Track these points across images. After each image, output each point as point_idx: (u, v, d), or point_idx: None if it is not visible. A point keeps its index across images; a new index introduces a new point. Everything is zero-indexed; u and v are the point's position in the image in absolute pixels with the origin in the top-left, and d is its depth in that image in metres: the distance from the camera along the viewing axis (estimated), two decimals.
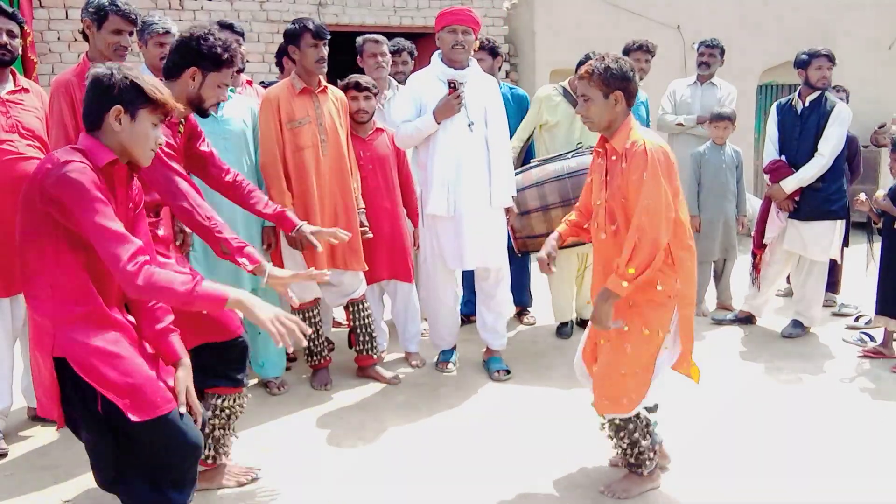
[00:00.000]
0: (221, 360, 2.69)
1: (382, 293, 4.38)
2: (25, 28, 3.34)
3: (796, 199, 4.51)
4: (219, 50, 2.63)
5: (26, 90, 3.30)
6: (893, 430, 3.37)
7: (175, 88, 2.66)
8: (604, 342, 2.77)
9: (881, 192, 4.15)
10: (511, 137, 4.60)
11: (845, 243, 4.90)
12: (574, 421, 3.34)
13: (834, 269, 5.06)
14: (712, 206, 5.03)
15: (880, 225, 4.24)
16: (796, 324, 4.70)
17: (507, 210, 4.01)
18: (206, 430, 2.76)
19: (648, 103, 5.36)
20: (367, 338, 3.98)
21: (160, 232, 2.77)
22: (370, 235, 3.92)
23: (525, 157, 4.68)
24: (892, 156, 4.25)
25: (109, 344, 2.09)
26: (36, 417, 3.49)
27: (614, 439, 2.77)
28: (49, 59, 6.32)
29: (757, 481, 2.91)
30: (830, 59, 4.44)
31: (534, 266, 5.11)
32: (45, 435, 3.38)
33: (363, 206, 3.94)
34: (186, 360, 2.32)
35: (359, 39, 4.54)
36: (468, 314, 4.76)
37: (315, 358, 3.93)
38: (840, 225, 4.55)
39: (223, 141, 3.46)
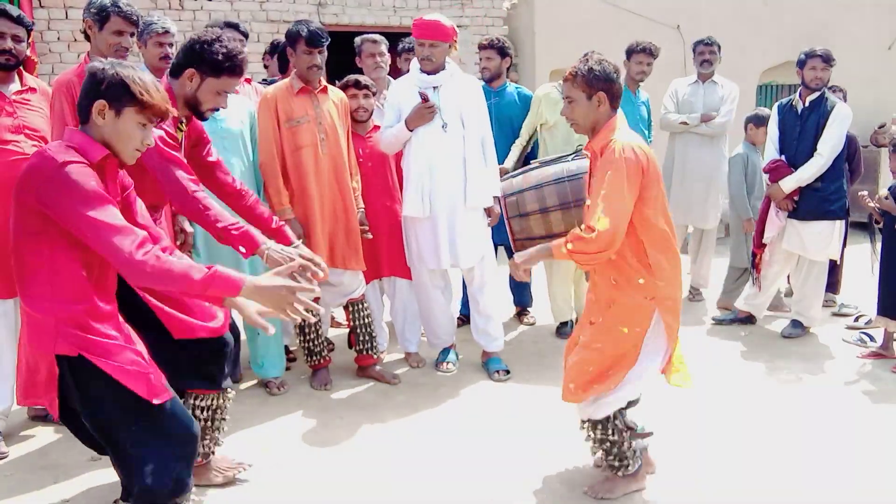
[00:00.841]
0: (199, 360, 2.68)
1: (382, 293, 4.38)
2: (32, 30, 3.34)
3: (795, 198, 4.51)
4: (219, 57, 2.62)
5: (33, 90, 3.30)
6: (893, 430, 3.37)
7: (176, 88, 2.69)
8: (582, 338, 2.78)
9: (884, 192, 4.14)
10: (518, 137, 4.62)
11: (843, 243, 4.90)
12: (574, 421, 3.33)
13: (834, 269, 5.06)
14: (754, 210, 4.92)
15: (881, 224, 4.24)
16: (796, 324, 4.70)
17: (488, 210, 4.01)
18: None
19: (650, 103, 5.36)
20: (367, 338, 3.99)
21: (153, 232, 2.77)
22: (370, 236, 3.93)
23: (528, 157, 4.67)
24: (893, 156, 4.25)
25: (112, 338, 2.11)
26: (36, 417, 3.49)
27: (591, 439, 2.78)
28: (49, 59, 6.32)
29: (756, 481, 2.91)
30: (825, 59, 4.43)
31: (534, 266, 5.12)
32: (45, 435, 3.38)
33: (363, 206, 3.95)
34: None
35: (357, 39, 4.54)
36: (467, 314, 4.76)
37: (315, 358, 3.93)
38: (840, 225, 4.55)
39: (220, 140, 3.46)
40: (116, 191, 2.22)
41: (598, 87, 2.62)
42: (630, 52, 5.13)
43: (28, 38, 3.26)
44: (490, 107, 4.48)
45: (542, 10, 7.81)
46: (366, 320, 3.96)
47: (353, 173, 3.90)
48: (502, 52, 4.61)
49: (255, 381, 3.99)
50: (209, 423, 2.80)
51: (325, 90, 3.74)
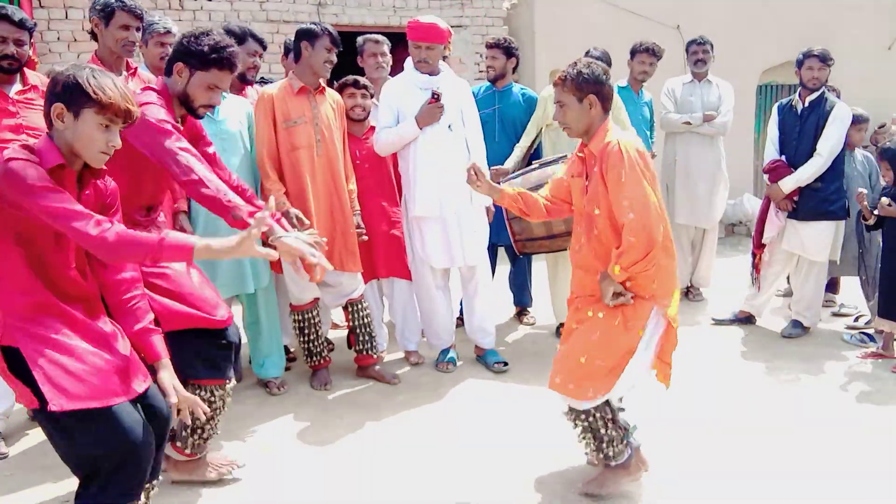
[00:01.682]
0: (205, 350, 2.70)
1: (382, 293, 4.38)
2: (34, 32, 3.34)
3: (795, 199, 4.51)
4: (206, 48, 2.60)
5: (35, 88, 3.30)
6: (893, 430, 3.37)
7: (170, 85, 2.69)
8: (575, 325, 2.77)
9: (886, 200, 4.11)
10: (521, 138, 4.62)
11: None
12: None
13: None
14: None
15: (871, 222, 4.21)
16: (796, 324, 4.70)
17: (486, 210, 4.10)
18: (187, 421, 2.73)
19: (652, 103, 5.36)
20: (366, 338, 3.99)
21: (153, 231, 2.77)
22: (366, 238, 3.94)
23: (531, 158, 4.67)
24: (881, 162, 4.26)
25: (56, 333, 2.08)
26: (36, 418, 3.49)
27: (575, 428, 2.76)
28: (49, 59, 6.31)
29: (756, 482, 2.91)
30: (821, 59, 4.43)
31: (534, 267, 5.13)
32: (44, 435, 3.37)
33: (358, 208, 3.95)
34: (167, 359, 2.33)
35: (359, 39, 4.54)
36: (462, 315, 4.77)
37: (315, 358, 3.93)
38: (840, 225, 4.55)
39: (219, 141, 3.46)
40: (84, 197, 2.17)
41: (588, 89, 2.62)
42: (633, 52, 5.15)
43: (30, 41, 3.27)
44: (494, 107, 4.49)
45: (542, 10, 7.80)
46: (365, 320, 3.97)
47: (350, 175, 3.90)
48: (508, 51, 4.59)
49: (255, 381, 3.99)
50: (208, 414, 2.78)
51: (322, 91, 3.74)
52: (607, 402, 2.74)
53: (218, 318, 2.69)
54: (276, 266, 3.79)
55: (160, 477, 2.43)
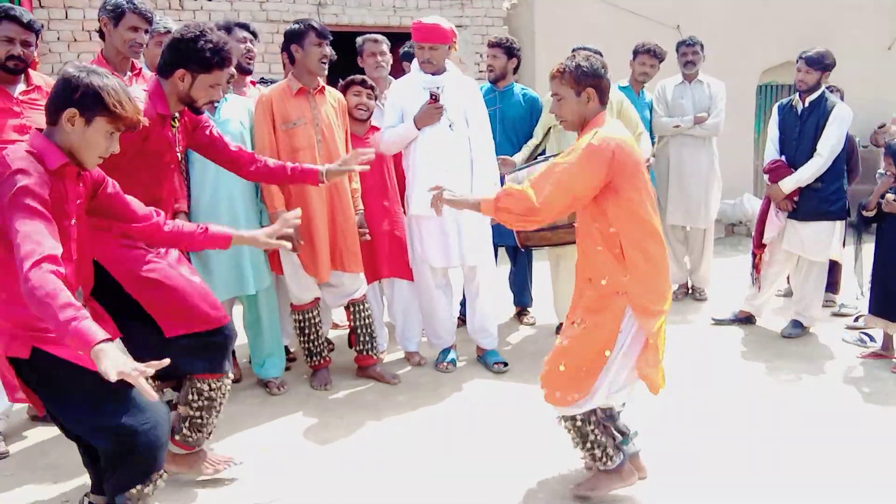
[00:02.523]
0: (203, 347, 2.72)
1: (382, 293, 4.38)
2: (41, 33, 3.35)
3: (795, 199, 4.51)
4: (208, 54, 2.61)
5: (39, 88, 3.30)
6: (893, 430, 3.37)
7: (167, 87, 2.69)
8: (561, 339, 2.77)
9: (891, 196, 4.09)
10: (523, 137, 4.61)
11: (844, 243, 4.89)
12: None
13: (834, 269, 5.06)
14: None
15: (871, 213, 4.15)
16: (796, 324, 4.70)
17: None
18: (186, 415, 2.80)
19: (654, 104, 5.35)
20: (367, 338, 3.99)
21: None
22: (368, 238, 3.94)
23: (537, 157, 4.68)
24: (887, 160, 4.25)
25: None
26: (36, 417, 3.49)
27: (570, 432, 2.75)
28: (49, 59, 6.31)
29: (756, 482, 2.91)
30: (808, 62, 4.41)
31: (534, 266, 5.13)
32: (45, 435, 3.38)
33: (361, 207, 3.95)
34: (236, 234, 2.63)
35: (359, 39, 4.54)
36: (464, 315, 4.76)
37: (315, 358, 3.93)
38: (840, 225, 4.55)
39: None
40: (78, 192, 2.22)
41: (586, 83, 2.60)
42: (635, 53, 5.16)
43: (37, 42, 3.27)
44: (494, 107, 4.49)
45: (542, 10, 7.80)
46: (366, 321, 3.96)
47: (352, 175, 3.90)
48: (510, 51, 4.58)
49: (255, 381, 3.99)
50: (207, 409, 2.82)
51: (322, 91, 3.74)
52: (594, 412, 2.71)
53: (214, 317, 2.71)
54: (276, 266, 3.80)
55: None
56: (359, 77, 4.03)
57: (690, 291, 5.60)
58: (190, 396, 2.79)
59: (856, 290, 4.65)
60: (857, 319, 4.83)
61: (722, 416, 3.50)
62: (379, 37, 4.49)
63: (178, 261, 2.80)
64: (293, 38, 3.61)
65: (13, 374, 2.20)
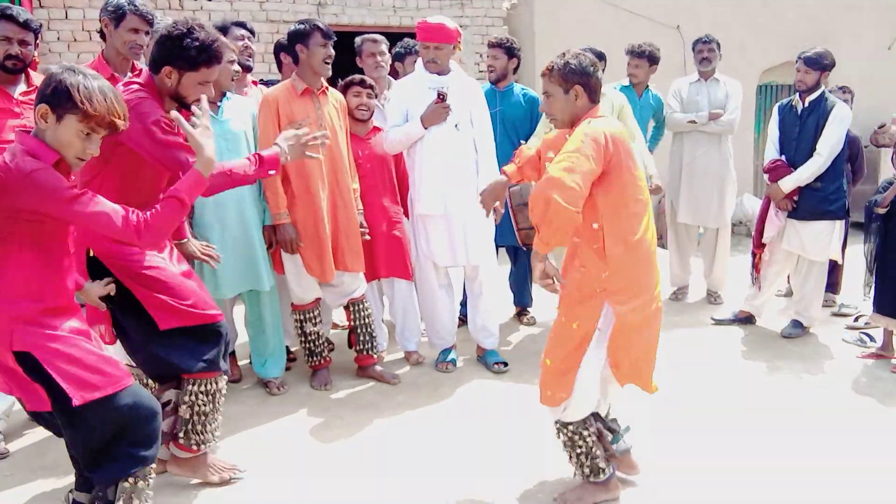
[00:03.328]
0: (198, 344, 2.72)
1: (382, 293, 4.39)
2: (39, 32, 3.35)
3: (795, 198, 4.51)
4: (193, 52, 2.59)
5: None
6: (893, 430, 3.37)
7: (157, 82, 2.69)
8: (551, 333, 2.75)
9: None
10: (523, 138, 4.61)
11: (844, 243, 4.89)
12: None
13: (834, 269, 5.06)
14: None
15: (883, 210, 4.11)
16: (796, 324, 4.70)
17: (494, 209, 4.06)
18: (187, 417, 2.80)
19: (662, 101, 5.34)
20: (367, 337, 3.99)
21: None
22: (368, 237, 3.94)
23: None
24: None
25: (64, 331, 2.16)
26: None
27: (563, 443, 2.72)
28: (49, 60, 6.30)
29: (756, 481, 2.91)
30: (807, 62, 4.42)
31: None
32: (45, 435, 3.37)
33: (361, 207, 3.95)
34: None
35: (358, 39, 4.54)
36: (465, 315, 4.77)
37: (315, 358, 3.93)
38: (839, 225, 4.55)
39: (223, 142, 3.46)
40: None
41: (574, 80, 2.59)
42: (627, 53, 5.17)
43: (36, 41, 3.27)
44: (495, 108, 4.49)
45: (542, 10, 7.80)
46: (366, 320, 3.97)
47: (353, 174, 3.90)
48: (510, 51, 4.58)
49: (255, 381, 3.99)
50: (207, 408, 2.82)
51: (325, 92, 3.74)
52: (592, 418, 2.70)
53: (209, 314, 2.73)
54: (278, 266, 3.80)
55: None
56: (358, 77, 4.04)
57: (706, 294, 5.53)
58: (188, 397, 2.78)
59: (862, 289, 4.61)
60: (856, 319, 4.84)
61: (721, 416, 3.50)
62: (378, 37, 4.50)
63: (178, 260, 2.81)
64: (298, 38, 3.60)
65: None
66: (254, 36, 4.05)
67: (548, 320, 4.91)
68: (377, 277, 4.21)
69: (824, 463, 3.04)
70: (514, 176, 3.05)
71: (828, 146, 4.39)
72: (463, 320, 4.71)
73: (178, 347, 2.68)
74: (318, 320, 3.88)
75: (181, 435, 2.82)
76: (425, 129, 3.82)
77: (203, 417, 2.81)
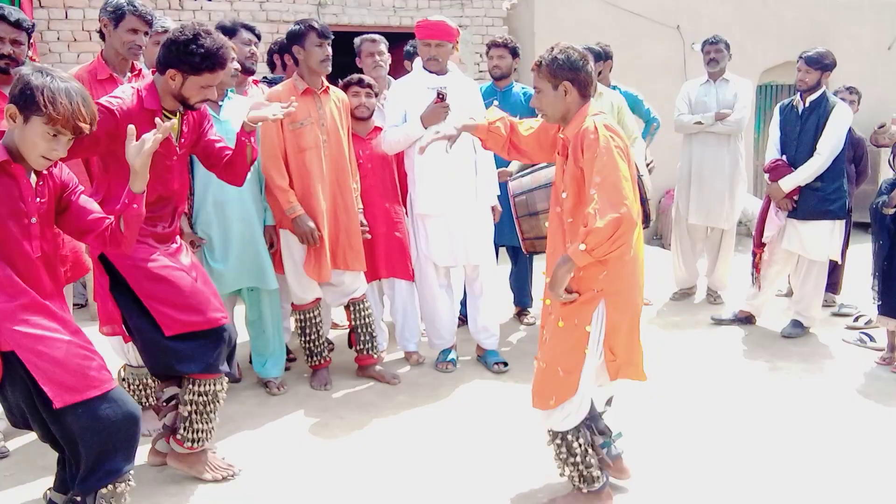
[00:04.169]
0: (201, 346, 2.75)
1: (382, 294, 4.38)
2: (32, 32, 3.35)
3: (795, 198, 4.51)
4: (198, 58, 2.62)
5: None
6: (893, 430, 3.37)
7: (160, 84, 2.71)
8: (543, 330, 2.73)
9: None
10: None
11: (846, 244, 4.89)
12: None
13: (834, 269, 5.06)
14: None
15: (891, 211, 4.04)
16: (796, 324, 4.70)
17: (493, 209, 4.12)
18: (186, 415, 2.83)
19: (653, 114, 5.31)
20: (367, 337, 3.99)
21: (161, 229, 2.79)
22: (369, 236, 3.94)
23: None
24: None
25: (47, 331, 2.15)
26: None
27: (556, 454, 2.67)
28: (49, 59, 6.30)
29: (756, 481, 2.91)
30: (807, 61, 4.42)
31: (534, 267, 5.13)
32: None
33: (361, 206, 3.95)
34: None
35: (357, 40, 4.54)
36: (465, 315, 4.77)
37: (315, 358, 3.93)
38: (839, 225, 4.54)
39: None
40: (40, 191, 2.22)
41: (562, 76, 2.53)
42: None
43: (29, 41, 3.27)
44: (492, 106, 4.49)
45: (542, 10, 7.80)
46: (366, 320, 3.96)
47: (353, 174, 3.90)
48: (514, 51, 4.63)
49: (255, 381, 3.98)
50: (206, 408, 2.84)
51: (326, 91, 3.74)
52: (585, 428, 2.65)
53: (213, 318, 2.75)
54: (278, 266, 3.80)
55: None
56: (356, 77, 4.03)
57: (706, 294, 5.52)
58: (188, 396, 2.82)
59: (871, 293, 4.57)
60: (856, 319, 4.83)
61: (721, 416, 3.50)
62: (377, 37, 4.50)
63: (190, 262, 2.84)
64: (294, 39, 3.61)
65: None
66: (259, 40, 4.04)
67: None
68: (378, 278, 4.21)
69: (824, 463, 3.04)
70: (480, 130, 2.88)
71: (828, 146, 4.39)
72: (463, 320, 4.72)
73: (181, 349, 2.71)
74: (318, 320, 3.88)
75: (178, 431, 2.86)
76: (425, 128, 3.82)
77: (201, 417, 2.85)
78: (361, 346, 4.00)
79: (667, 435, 3.27)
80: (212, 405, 2.85)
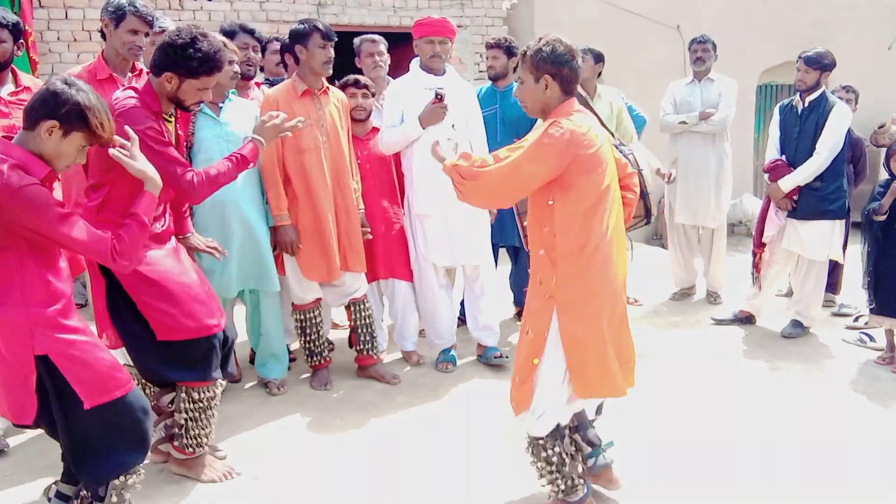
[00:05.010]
0: (193, 354, 2.76)
1: (382, 294, 4.39)
2: (27, 29, 3.36)
3: (795, 198, 4.51)
4: (195, 63, 2.63)
5: (28, 89, 3.30)
6: (893, 430, 3.37)
7: (156, 85, 2.72)
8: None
9: None
10: (524, 136, 4.62)
11: (844, 244, 4.89)
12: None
13: (834, 269, 5.06)
14: None
15: (882, 218, 4.09)
16: (796, 324, 4.70)
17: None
18: (181, 422, 2.85)
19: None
20: (367, 337, 3.99)
21: (157, 228, 2.78)
22: (370, 237, 3.94)
23: None
24: (894, 160, 4.22)
25: (78, 335, 2.23)
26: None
27: (534, 459, 2.61)
28: (49, 59, 6.31)
29: (756, 482, 2.91)
30: (806, 62, 4.43)
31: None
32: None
33: (363, 206, 3.95)
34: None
35: (356, 40, 4.54)
36: (464, 315, 4.77)
37: (315, 358, 3.93)
38: (839, 225, 4.54)
39: (225, 143, 3.46)
40: (61, 201, 2.29)
41: (544, 69, 2.44)
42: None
43: (17, 40, 3.27)
44: (494, 107, 4.49)
45: (542, 10, 7.80)
46: (367, 320, 3.97)
47: (353, 174, 3.90)
48: (509, 51, 4.58)
49: (255, 381, 3.98)
50: (200, 415, 2.85)
51: (326, 92, 3.74)
52: (568, 437, 2.60)
53: (206, 325, 2.75)
54: (279, 266, 3.79)
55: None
56: (352, 78, 4.02)
57: (706, 294, 5.51)
58: (182, 404, 2.83)
59: (865, 293, 4.57)
60: (856, 319, 4.83)
61: (721, 416, 3.50)
62: (376, 37, 4.49)
63: (189, 263, 2.85)
64: (297, 39, 3.60)
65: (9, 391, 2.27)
66: (261, 43, 4.02)
67: None
68: (377, 278, 4.21)
69: (824, 463, 3.04)
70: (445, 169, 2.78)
71: (827, 146, 4.40)
72: (462, 320, 4.72)
73: (172, 357, 2.73)
74: (318, 320, 3.88)
75: (176, 438, 2.89)
76: (423, 129, 3.82)
77: (196, 423, 2.86)
78: (362, 347, 4.00)
79: (666, 435, 3.27)
80: (205, 412, 2.86)
